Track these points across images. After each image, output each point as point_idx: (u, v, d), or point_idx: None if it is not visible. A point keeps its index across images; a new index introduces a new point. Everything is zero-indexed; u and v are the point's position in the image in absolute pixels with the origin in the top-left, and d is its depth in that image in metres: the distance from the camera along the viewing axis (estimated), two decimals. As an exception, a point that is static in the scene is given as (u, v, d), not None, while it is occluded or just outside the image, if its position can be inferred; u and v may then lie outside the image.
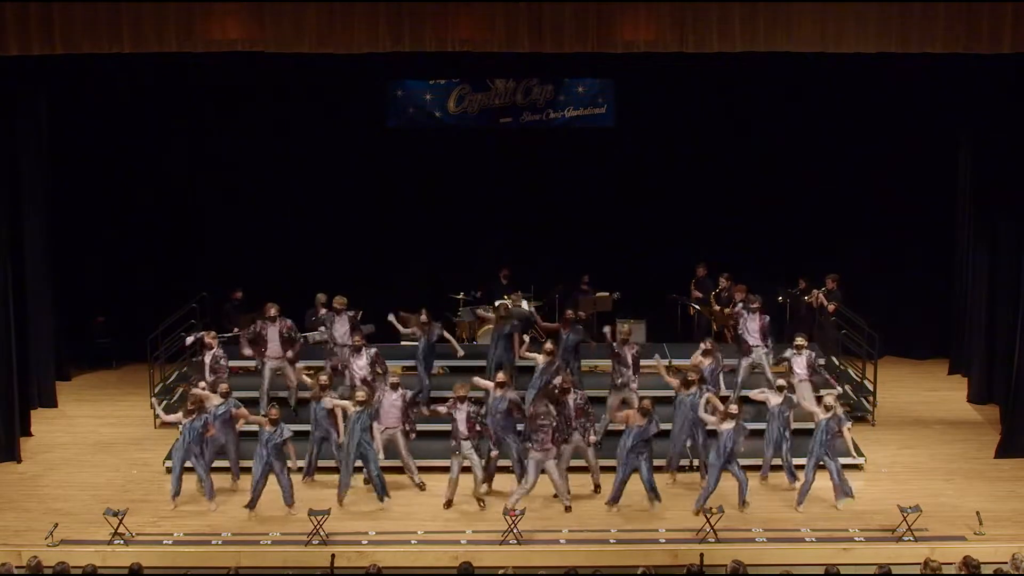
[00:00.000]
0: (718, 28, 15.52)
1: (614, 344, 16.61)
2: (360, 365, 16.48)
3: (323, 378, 15.84)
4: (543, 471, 15.03)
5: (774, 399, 15.70)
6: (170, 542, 14.43)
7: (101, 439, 17.62)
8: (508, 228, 20.94)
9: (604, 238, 20.99)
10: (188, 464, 15.32)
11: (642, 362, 16.80)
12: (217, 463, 15.71)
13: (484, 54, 16.05)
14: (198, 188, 20.74)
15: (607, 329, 17.02)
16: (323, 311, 17.67)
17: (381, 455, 15.51)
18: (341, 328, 17.08)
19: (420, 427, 16.04)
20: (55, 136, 19.04)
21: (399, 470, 15.96)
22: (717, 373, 16.58)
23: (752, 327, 17.17)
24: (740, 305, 17.75)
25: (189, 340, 17.53)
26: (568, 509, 15.19)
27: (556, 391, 15.57)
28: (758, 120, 20.36)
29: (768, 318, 17.32)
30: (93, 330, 20.80)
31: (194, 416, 15.17)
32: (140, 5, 15.30)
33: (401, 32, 15.55)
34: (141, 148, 20.38)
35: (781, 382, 15.89)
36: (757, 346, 17.13)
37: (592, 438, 15.49)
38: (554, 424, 14.93)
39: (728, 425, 14.91)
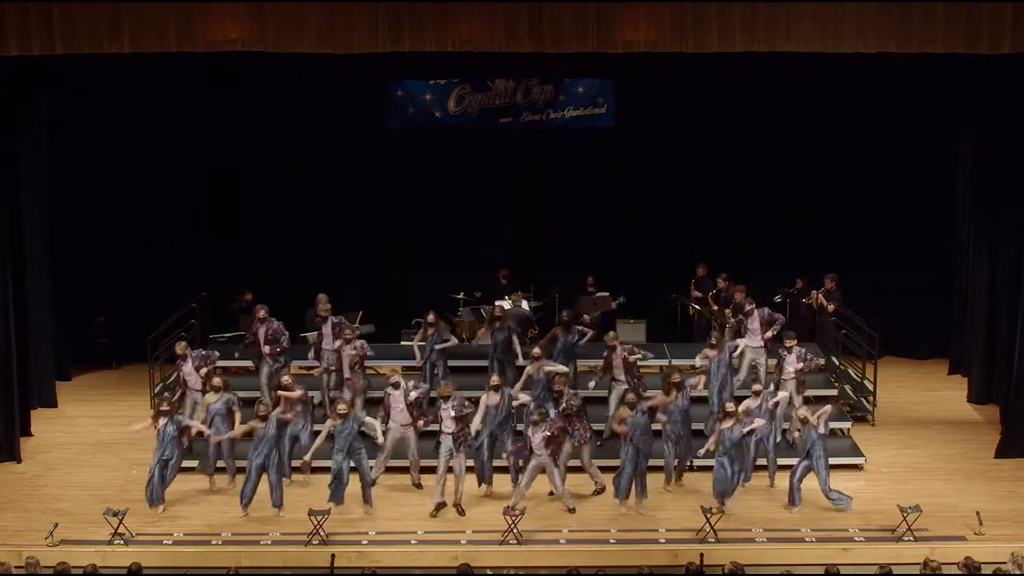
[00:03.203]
0: (718, 28, 15.51)
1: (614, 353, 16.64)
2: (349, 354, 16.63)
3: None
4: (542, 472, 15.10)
5: (751, 403, 15.59)
6: (170, 542, 14.44)
7: (101, 439, 17.62)
8: (508, 228, 20.94)
9: (604, 238, 20.98)
10: (185, 464, 15.37)
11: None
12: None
13: (484, 54, 16.03)
14: (198, 188, 20.70)
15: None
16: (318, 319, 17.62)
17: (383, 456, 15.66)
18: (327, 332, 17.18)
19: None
20: (55, 135, 19.05)
21: (403, 470, 15.99)
22: (723, 364, 16.53)
23: (754, 326, 17.19)
24: (741, 315, 17.68)
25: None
26: (572, 511, 15.21)
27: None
28: (757, 120, 20.34)
29: (767, 310, 17.34)
30: (93, 330, 20.79)
31: (167, 420, 15.14)
32: (140, 5, 15.30)
33: (401, 32, 15.54)
34: (141, 148, 20.36)
35: (757, 387, 15.86)
36: (758, 347, 17.15)
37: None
38: (551, 427, 14.96)
39: (727, 424, 14.95)
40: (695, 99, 20.16)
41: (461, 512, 15.10)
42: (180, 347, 16.76)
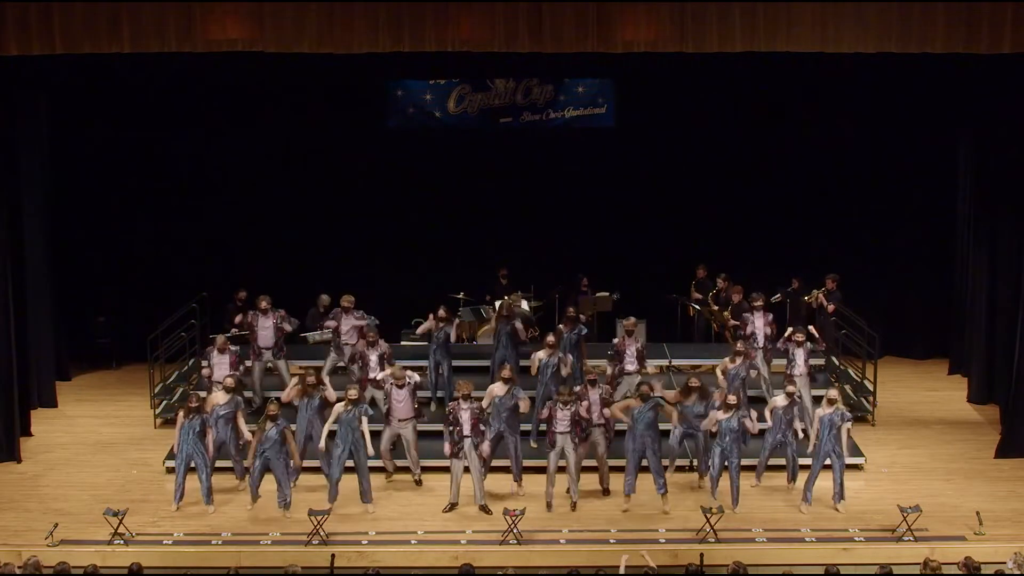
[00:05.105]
0: (718, 28, 15.52)
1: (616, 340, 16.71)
2: (373, 361, 16.59)
3: (311, 378, 15.85)
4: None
5: (780, 402, 15.63)
6: (170, 542, 14.43)
7: (101, 439, 17.62)
8: (508, 228, 20.95)
9: (604, 238, 21.00)
10: (191, 465, 15.31)
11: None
12: (219, 463, 15.67)
13: (484, 54, 16.04)
14: (198, 188, 20.73)
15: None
16: (335, 308, 17.70)
17: (384, 449, 15.69)
18: (347, 325, 17.20)
19: (421, 427, 16.04)
20: (55, 136, 19.06)
21: (403, 469, 16.02)
22: (741, 377, 16.37)
23: (759, 324, 17.15)
24: (746, 312, 17.66)
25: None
26: (573, 507, 15.21)
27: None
28: (758, 120, 20.36)
29: (772, 316, 17.32)
30: (93, 330, 20.80)
31: (192, 417, 15.13)
32: (140, 5, 15.30)
33: (401, 32, 15.55)
34: (141, 148, 20.39)
35: (791, 388, 15.79)
36: (760, 348, 17.13)
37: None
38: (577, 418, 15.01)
39: (726, 415, 14.95)
40: (695, 99, 20.17)
41: (487, 511, 15.08)
42: (221, 340, 16.78)
